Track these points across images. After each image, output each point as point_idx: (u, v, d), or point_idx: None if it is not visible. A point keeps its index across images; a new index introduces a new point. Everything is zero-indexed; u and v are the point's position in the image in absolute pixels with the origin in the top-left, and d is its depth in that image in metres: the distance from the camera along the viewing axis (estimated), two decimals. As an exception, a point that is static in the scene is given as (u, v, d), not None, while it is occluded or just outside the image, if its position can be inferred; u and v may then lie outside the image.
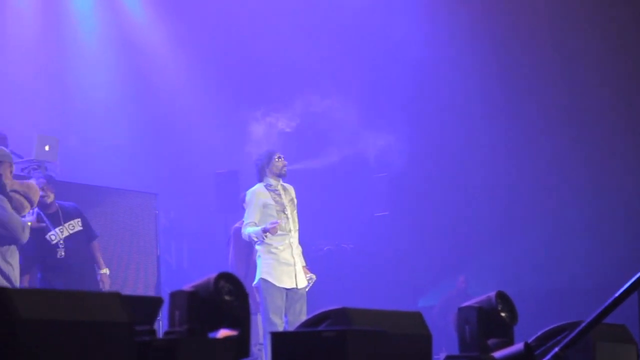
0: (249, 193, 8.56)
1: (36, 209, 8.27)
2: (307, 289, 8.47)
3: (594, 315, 3.38)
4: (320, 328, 3.60)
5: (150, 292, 9.91)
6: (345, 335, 3.44)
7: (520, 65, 12.85)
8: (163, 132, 13.14)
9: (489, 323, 4.24)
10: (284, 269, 8.32)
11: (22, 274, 7.97)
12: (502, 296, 4.35)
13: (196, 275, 5.28)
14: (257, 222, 8.37)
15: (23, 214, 7.74)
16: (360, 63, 13.06)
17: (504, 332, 4.30)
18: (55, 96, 12.40)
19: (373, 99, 12.75)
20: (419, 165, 12.84)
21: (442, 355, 4.46)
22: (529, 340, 4.16)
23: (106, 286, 8.71)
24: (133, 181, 11.15)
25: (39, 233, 8.37)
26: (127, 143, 12.68)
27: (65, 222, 8.61)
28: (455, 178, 13.09)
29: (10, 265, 7.55)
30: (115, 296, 3.10)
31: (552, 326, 4.30)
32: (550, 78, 12.72)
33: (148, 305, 3.42)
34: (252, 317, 8.33)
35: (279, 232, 8.27)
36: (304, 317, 7.66)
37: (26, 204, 7.81)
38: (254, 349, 9.00)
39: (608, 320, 3.44)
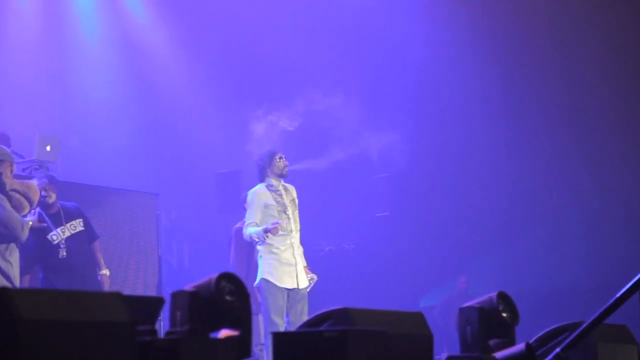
0: (250, 193, 8.55)
1: (38, 209, 8.27)
2: (308, 289, 8.46)
3: (595, 315, 3.38)
4: (321, 328, 3.60)
5: (151, 292, 9.90)
6: (347, 336, 3.44)
7: (520, 65, 12.86)
8: (164, 132, 13.14)
9: (490, 323, 4.24)
10: (286, 269, 8.31)
11: (23, 274, 7.96)
12: (503, 296, 4.35)
13: (197, 275, 5.28)
14: (258, 222, 8.36)
15: (22, 213, 7.72)
16: (360, 63, 13.06)
17: (506, 333, 4.30)
18: (57, 96, 12.40)
19: (373, 98, 12.74)
20: (420, 165, 12.83)
21: (444, 355, 4.47)
22: (531, 341, 4.16)
23: (106, 287, 8.70)
24: (134, 181, 11.14)
25: (40, 233, 8.37)
26: (128, 143, 12.67)
27: (67, 223, 8.60)
28: (455, 178, 13.10)
29: (10, 263, 7.54)
30: (117, 296, 3.10)
31: (553, 326, 4.30)
32: (550, 78, 12.72)
33: (149, 306, 3.43)
34: (254, 318, 8.28)
35: (280, 232, 8.26)
36: (305, 318, 7.67)
37: (25, 203, 7.79)
38: (255, 349, 8.99)
39: (609, 320, 3.44)
